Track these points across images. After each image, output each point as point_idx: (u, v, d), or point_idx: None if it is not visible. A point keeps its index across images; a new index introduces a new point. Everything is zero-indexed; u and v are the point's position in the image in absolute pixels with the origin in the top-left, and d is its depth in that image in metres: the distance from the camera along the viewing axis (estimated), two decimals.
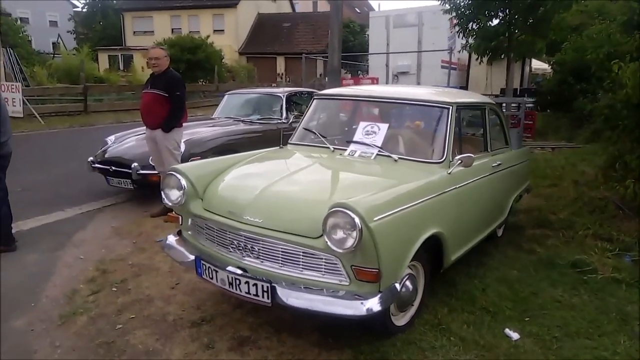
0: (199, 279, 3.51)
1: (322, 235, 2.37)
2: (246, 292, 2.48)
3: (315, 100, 3.92)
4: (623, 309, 3.15)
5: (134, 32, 36.29)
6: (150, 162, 5.32)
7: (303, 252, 2.42)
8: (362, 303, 2.30)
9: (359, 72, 27.61)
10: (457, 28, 10.41)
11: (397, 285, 2.45)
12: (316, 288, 2.43)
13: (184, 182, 2.89)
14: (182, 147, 5.34)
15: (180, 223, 3.05)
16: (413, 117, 3.53)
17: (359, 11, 46.92)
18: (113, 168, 5.53)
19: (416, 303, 2.87)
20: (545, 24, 9.29)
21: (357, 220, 2.18)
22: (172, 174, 2.94)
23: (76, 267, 3.88)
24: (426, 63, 17.38)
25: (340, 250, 2.24)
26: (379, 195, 2.46)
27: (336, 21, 6.66)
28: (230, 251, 2.66)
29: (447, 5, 10.23)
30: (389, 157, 3.15)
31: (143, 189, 5.71)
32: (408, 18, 17.23)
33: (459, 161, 3.06)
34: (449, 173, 3.03)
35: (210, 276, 2.62)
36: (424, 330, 2.85)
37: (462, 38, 11.10)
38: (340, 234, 2.26)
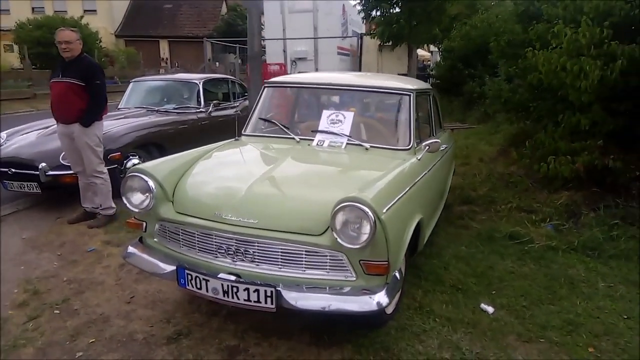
0: (156, 289, 3.24)
1: (325, 232, 2.27)
2: (245, 300, 2.28)
3: (266, 88, 3.72)
4: (567, 273, 3.52)
5: None
6: (62, 161, 4.66)
7: (306, 251, 2.30)
8: (371, 297, 2.26)
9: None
10: (361, 14, 10.64)
11: (397, 275, 2.45)
12: (319, 287, 2.32)
13: (151, 183, 2.55)
14: None
15: (144, 230, 2.70)
16: (374, 105, 3.53)
17: None
18: (13, 170, 4.74)
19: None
20: (439, 13, 9.93)
21: (370, 213, 2.12)
22: (135, 175, 2.59)
23: None
24: (322, 49, 17.61)
25: (353, 246, 2.17)
26: (378, 186, 2.41)
27: (254, 3, 6.37)
28: (218, 257, 2.43)
29: None
30: (360, 146, 3.12)
31: (51, 193, 5.01)
32: (302, 3, 17.18)
33: (427, 147, 3.14)
34: (419, 159, 3.08)
35: (198, 286, 2.36)
36: (409, 315, 2.90)
37: (365, 24, 11.42)
38: (351, 229, 2.18)
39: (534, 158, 5.57)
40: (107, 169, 4.83)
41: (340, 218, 2.17)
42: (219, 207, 2.43)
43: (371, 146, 3.11)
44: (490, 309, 2.99)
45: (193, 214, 2.50)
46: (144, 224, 2.68)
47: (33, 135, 5.22)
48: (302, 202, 2.43)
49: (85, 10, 29.48)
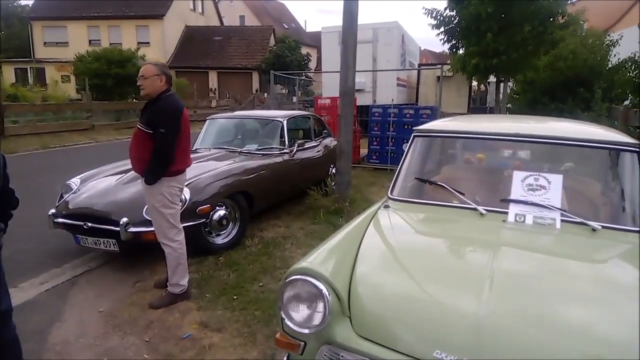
0: None
1: None
2: None
3: (416, 138, 2.88)
4: None
5: (45, 42, 32.91)
6: (145, 216, 3.94)
7: None
8: None
9: (295, 88, 26.68)
10: (445, 45, 9.86)
11: None
12: None
13: (325, 291, 1.72)
14: (187, 195, 4.05)
15: (300, 352, 1.85)
16: (581, 164, 2.63)
17: (286, 27, 46.30)
18: (89, 224, 4.05)
19: None
20: (538, 42, 9.07)
21: None
22: (300, 279, 1.76)
23: None
24: (381, 81, 16.99)
25: None
26: None
27: (350, 33, 5.67)
28: None
29: (434, 20, 9.66)
30: (581, 225, 2.20)
31: (129, 250, 4.29)
32: (362, 34, 16.59)
33: None
34: None
35: None
36: None
37: (450, 53, 10.66)
38: None
39: None
40: (194, 224, 4.13)
41: None
42: (441, 343, 1.55)
43: (602, 226, 2.18)
44: None
45: (392, 345, 1.63)
46: (302, 344, 1.84)
47: (110, 182, 4.54)
48: (593, 344, 1.51)
49: (138, 42, 30.14)
